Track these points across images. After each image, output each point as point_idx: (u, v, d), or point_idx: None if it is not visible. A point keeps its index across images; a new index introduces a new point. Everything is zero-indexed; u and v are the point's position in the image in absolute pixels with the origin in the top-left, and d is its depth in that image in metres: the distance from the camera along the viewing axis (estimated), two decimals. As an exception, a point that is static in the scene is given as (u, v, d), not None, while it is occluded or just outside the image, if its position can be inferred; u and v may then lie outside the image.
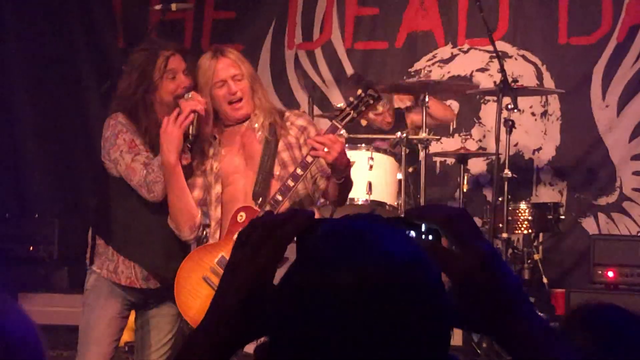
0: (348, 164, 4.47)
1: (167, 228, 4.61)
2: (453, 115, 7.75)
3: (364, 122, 7.09)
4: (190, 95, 4.44)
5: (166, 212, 4.56)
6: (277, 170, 4.52)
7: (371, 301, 1.26)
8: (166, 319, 4.73)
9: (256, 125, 4.53)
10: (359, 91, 4.47)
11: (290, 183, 4.36)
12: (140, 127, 4.50)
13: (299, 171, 4.35)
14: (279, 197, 4.38)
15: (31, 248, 7.74)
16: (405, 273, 1.33)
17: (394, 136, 6.95)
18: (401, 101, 7.54)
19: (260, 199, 4.43)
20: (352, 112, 4.43)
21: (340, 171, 4.43)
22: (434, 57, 8.38)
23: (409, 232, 1.46)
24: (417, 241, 1.45)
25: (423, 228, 1.45)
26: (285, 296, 1.33)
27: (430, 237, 1.46)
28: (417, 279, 1.34)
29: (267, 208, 4.37)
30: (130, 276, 4.59)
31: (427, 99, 6.76)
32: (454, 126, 7.93)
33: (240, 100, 4.50)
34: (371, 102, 4.41)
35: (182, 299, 4.56)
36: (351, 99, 4.47)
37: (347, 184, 4.63)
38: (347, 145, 6.77)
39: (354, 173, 6.66)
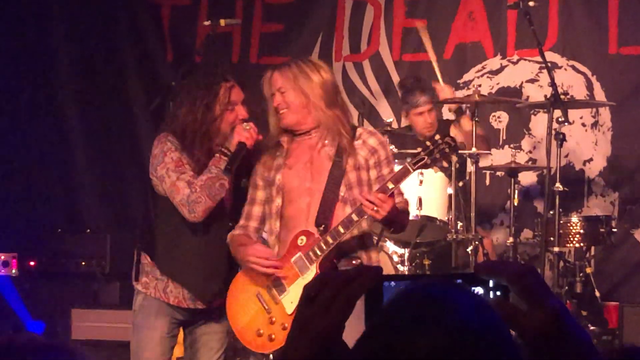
0: (398, 218, 4.55)
1: (210, 248, 4.68)
2: (485, 148, 7.60)
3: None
4: (248, 127, 4.58)
5: (209, 232, 4.65)
6: (342, 191, 4.54)
7: None
8: (215, 336, 4.77)
9: (326, 141, 4.56)
10: (437, 136, 4.48)
11: (355, 217, 4.40)
12: (194, 156, 4.55)
13: (354, 217, 4.40)
14: (341, 230, 4.42)
15: (82, 263, 7.80)
16: (480, 341, 1.33)
17: None
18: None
19: (323, 226, 4.46)
20: (426, 157, 4.44)
21: (391, 224, 4.57)
22: (483, 68, 8.35)
23: (476, 290, 1.46)
24: (485, 298, 1.44)
25: (491, 284, 1.45)
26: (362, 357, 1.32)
27: (498, 293, 1.45)
28: (492, 347, 1.33)
29: (329, 238, 4.40)
30: (178, 296, 4.65)
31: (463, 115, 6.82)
32: (504, 137, 7.92)
33: (284, 110, 4.57)
34: (447, 150, 4.40)
35: (232, 311, 4.60)
36: (428, 143, 4.46)
37: (401, 222, 4.69)
38: (396, 160, 6.79)
39: (405, 188, 6.72)
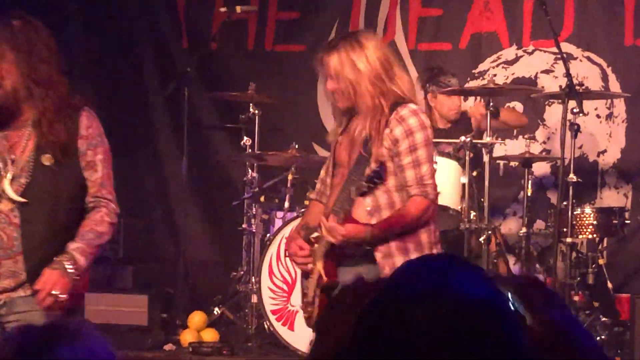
0: (363, 243, 4.54)
1: None
2: (526, 121, 7.75)
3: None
4: None
5: None
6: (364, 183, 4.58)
7: (445, 339, 1.28)
8: None
9: (361, 127, 4.57)
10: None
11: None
12: None
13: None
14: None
15: (96, 247, 7.82)
16: (478, 313, 1.34)
17: (457, 140, 6.92)
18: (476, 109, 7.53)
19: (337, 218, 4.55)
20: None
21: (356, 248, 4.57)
22: (498, 58, 8.32)
23: None
24: None
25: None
26: (362, 332, 1.35)
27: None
28: (491, 320, 1.35)
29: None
30: None
31: (492, 105, 6.80)
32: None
33: (338, 95, 4.62)
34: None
35: None
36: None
37: (386, 237, 4.61)
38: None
39: None
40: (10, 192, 3.66)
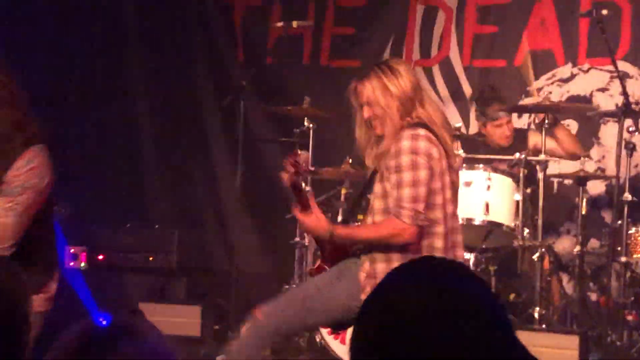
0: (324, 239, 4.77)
1: None
2: (582, 152, 7.59)
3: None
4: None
5: None
6: (371, 201, 4.82)
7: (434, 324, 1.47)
8: None
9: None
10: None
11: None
12: None
13: None
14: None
15: (151, 258, 7.91)
16: (468, 307, 1.52)
17: (512, 157, 6.94)
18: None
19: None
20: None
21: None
22: (554, 76, 8.32)
23: None
24: None
25: None
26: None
27: None
28: (480, 314, 1.53)
29: None
30: None
31: (548, 123, 6.81)
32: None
33: (375, 122, 4.71)
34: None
35: None
36: None
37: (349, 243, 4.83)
38: (464, 165, 6.86)
39: (472, 193, 6.75)
40: None
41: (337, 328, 5.12)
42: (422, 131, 4.59)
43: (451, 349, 1.50)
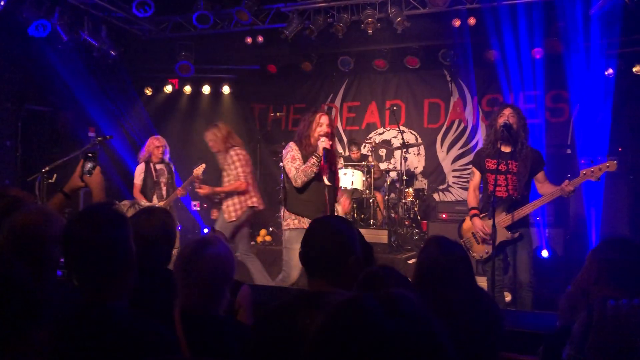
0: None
1: (315, 196, 6.83)
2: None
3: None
4: (324, 141, 6.50)
5: (313, 189, 6.86)
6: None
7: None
8: None
9: None
10: None
11: None
12: (302, 153, 6.75)
13: None
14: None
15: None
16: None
17: (360, 163, 10.47)
18: None
19: None
20: None
21: None
22: (376, 132, 12.30)
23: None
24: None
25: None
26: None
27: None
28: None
29: None
30: (307, 222, 6.69)
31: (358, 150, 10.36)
32: None
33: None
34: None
35: None
36: None
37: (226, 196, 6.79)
38: (342, 164, 10.28)
39: (346, 178, 10.31)
40: None
41: None
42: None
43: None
